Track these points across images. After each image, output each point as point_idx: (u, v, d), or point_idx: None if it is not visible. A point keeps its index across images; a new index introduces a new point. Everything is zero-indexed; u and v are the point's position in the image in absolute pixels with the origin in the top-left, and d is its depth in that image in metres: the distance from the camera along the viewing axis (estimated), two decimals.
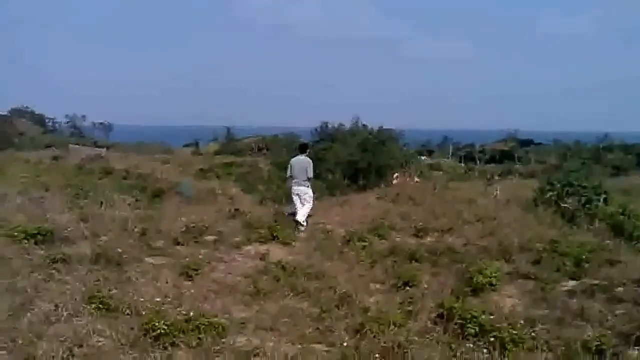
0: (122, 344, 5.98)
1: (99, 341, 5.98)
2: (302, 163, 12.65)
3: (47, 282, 7.45)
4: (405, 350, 6.18)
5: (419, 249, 10.28)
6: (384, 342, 6.36)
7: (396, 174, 17.62)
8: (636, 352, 6.41)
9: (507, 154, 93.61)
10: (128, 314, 6.75)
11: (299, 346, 6.53)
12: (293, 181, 12.58)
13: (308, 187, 12.63)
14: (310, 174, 12.67)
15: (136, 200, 17.01)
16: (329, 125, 39.74)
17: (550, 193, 15.23)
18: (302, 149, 13.22)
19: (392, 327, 6.80)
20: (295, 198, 12.54)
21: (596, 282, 8.60)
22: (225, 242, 10.50)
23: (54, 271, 7.80)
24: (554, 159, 75.75)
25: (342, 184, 30.39)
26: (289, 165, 12.71)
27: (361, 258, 10.01)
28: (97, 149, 47.39)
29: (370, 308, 7.61)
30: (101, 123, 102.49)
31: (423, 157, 72.07)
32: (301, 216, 12.27)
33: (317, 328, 7.05)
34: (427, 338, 6.77)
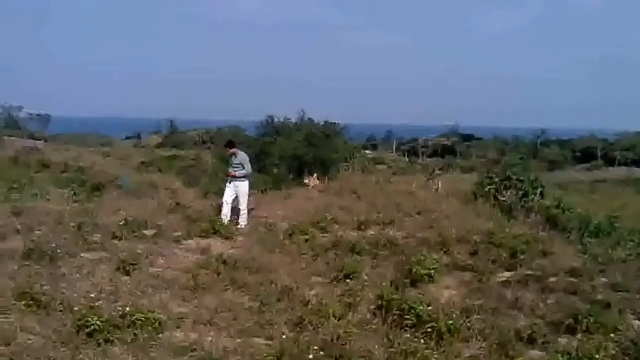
0: (52, 341, 5.80)
1: (29, 339, 5.78)
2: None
3: None
4: (343, 342, 6.22)
5: (360, 242, 10.34)
6: (323, 335, 6.39)
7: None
8: (565, 340, 6.64)
9: (449, 149, 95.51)
10: (60, 311, 6.56)
11: (238, 340, 6.49)
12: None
13: None
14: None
15: (74, 194, 16.53)
16: (275, 119, 39.51)
17: (489, 187, 15.53)
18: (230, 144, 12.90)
19: (331, 319, 6.83)
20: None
21: (530, 272, 8.89)
22: (165, 236, 10.30)
23: None
24: (494, 153, 77.73)
25: (286, 177, 30.32)
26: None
27: (303, 251, 10.00)
28: (33, 141, 45.70)
29: (311, 301, 7.61)
30: (38, 114, 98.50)
31: (367, 151, 72.76)
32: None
33: (257, 322, 7.02)
34: (366, 329, 6.84)
